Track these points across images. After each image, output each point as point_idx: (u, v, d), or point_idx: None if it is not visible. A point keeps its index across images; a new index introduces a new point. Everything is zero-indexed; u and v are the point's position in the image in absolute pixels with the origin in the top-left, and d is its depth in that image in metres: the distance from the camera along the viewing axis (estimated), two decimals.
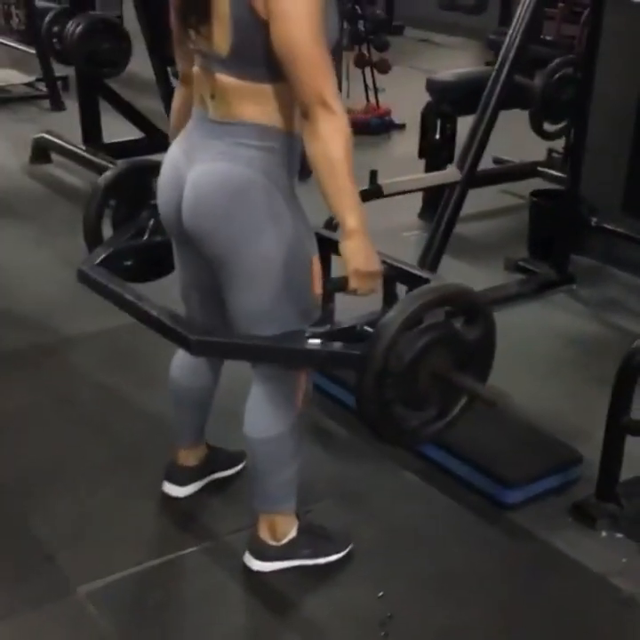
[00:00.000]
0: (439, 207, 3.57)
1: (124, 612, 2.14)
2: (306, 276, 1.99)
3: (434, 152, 4.61)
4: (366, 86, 6.69)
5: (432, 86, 4.66)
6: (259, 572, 2.24)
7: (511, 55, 3.53)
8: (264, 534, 2.24)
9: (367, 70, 6.63)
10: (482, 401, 1.94)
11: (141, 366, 3.14)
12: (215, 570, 2.27)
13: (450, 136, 4.61)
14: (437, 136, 4.61)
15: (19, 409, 2.93)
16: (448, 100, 4.56)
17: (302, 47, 1.79)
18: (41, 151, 5.40)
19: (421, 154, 4.74)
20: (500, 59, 3.61)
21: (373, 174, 3.26)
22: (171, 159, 2.06)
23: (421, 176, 3.42)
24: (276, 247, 1.94)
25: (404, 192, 3.36)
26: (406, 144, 5.44)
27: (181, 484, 2.50)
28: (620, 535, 2.42)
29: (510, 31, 3.54)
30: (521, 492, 2.52)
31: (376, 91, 6.67)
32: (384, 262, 1.97)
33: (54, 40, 5.16)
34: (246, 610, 2.19)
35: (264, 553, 2.25)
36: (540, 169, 4.95)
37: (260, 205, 1.92)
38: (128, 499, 2.50)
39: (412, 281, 2.15)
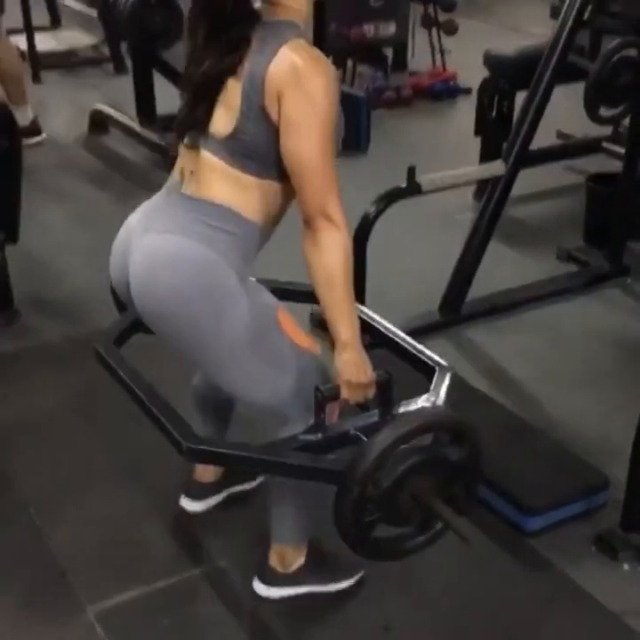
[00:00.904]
0: (483, 198, 3.47)
1: (133, 636, 2.15)
2: (278, 338, 1.96)
3: (490, 130, 4.47)
4: (432, 48, 6.51)
5: (489, 61, 4.49)
6: (267, 598, 2.24)
7: (565, 31, 3.38)
8: (273, 562, 2.24)
9: (434, 31, 6.45)
10: (455, 533, 1.90)
11: (174, 366, 3.13)
12: (224, 593, 2.27)
13: (507, 114, 4.45)
14: (494, 113, 4.47)
15: (42, 409, 2.94)
16: (506, 76, 4.40)
17: (311, 160, 1.80)
18: (98, 123, 5.40)
19: (477, 131, 4.60)
20: (554, 32, 3.46)
21: (411, 171, 3.15)
22: (128, 222, 2.03)
23: (463, 171, 3.30)
24: (238, 326, 1.90)
25: (444, 188, 3.25)
26: (471, 111, 5.29)
27: (198, 498, 2.50)
28: None
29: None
30: (542, 519, 2.45)
31: (442, 53, 6.48)
32: (381, 372, 1.95)
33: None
34: (252, 638, 2.19)
35: (272, 579, 2.24)
36: (604, 145, 4.75)
37: (215, 289, 1.88)
38: (145, 512, 2.52)
39: (422, 368, 2.18)
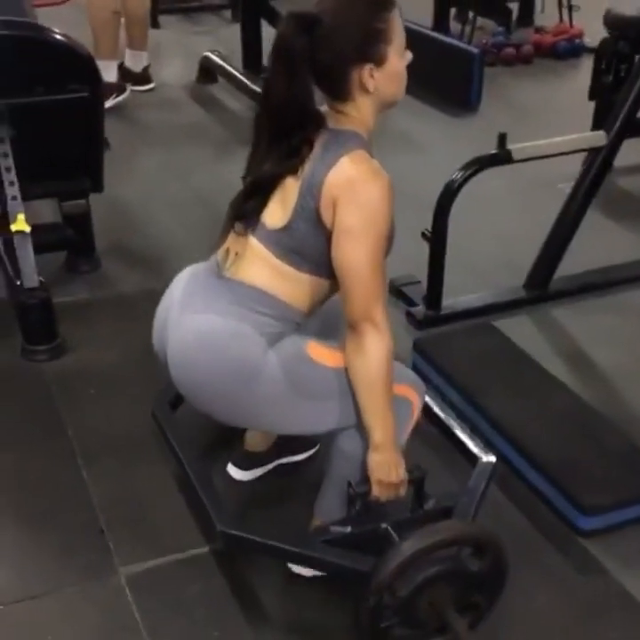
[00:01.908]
0: (581, 171, 3.27)
1: (159, 603, 2.13)
2: (315, 372, 1.95)
3: (605, 95, 4.21)
4: (560, 2, 6.21)
5: (609, 20, 4.22)
6: (299, 576, 2.19)
7: None
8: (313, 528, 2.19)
9: None
10: None
11: None
12: (257, 565, 2.23)
13: (625, 79, 4.18)
14: (611, 77, 4.21)
15: (107, 361, 2.96)
16: (627, 38, 4.13)
17: (360, 269, 1.83)
18: (206, 71, 5.36)
19: (592, 96, 4.36)
20: None
21: (502, 138, 3.00)
22: (169, 293, 2.08)
23: (557, 140, 3.09)
24: (273, 389, 1.93)
25: (536, 158, 3.08)
26: None
27: (245, 468, 2.46)
28: None
29: None
30: (600, 519, 2.31)
31: (570, 9, 6.17)
32: (414, 470, 2.02)
33: None
34: (279, 615, 2.14)
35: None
36: None
37: (244, 360, 1.90)
38: (190, 478, 2.48)
39: (465, 456, 2.28)
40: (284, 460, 2.51)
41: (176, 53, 6.00)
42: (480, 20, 6.18)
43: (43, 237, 3.17)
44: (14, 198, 2.87)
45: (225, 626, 2.08)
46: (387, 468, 1.95)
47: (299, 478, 2.48)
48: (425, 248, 3.16)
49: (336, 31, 1.79)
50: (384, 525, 2.00)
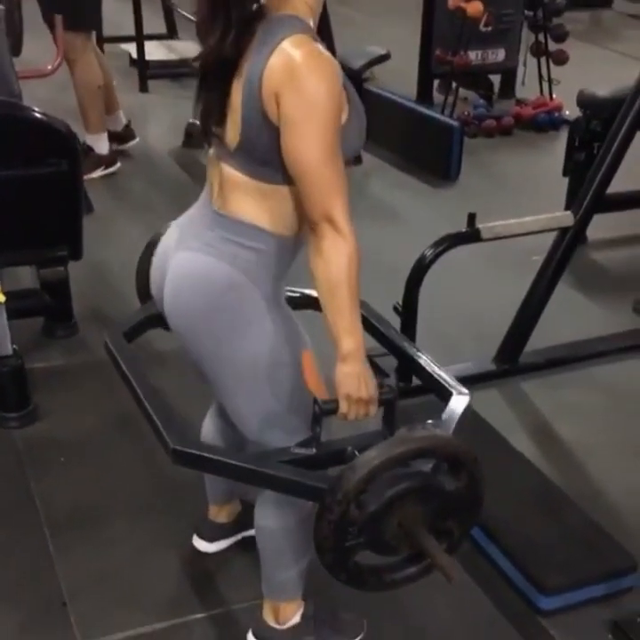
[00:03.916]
0: (549, 249, 3.35)
1: None
2: (296, 378, 1.90)
3: (578, 172, 4.30)
4: (540, 77, 6.35)
5: (583, 100, 4.33)
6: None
7: None
8: (267, 617, 2.19)
9: (543, 60, 6.29)
10: (439, 571, 1.78)
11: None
12: None
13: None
14: (583, 156, 4.31)
15: (81, 428, 2.98)
16: (598, 118, 4.23)
17: (312, 163, 1.70)
18: (192, 136, 5.45)
19: (565, 172, 4.45)
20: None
21: (471, 218, 3.07)
22: (166, 238, 2.02)
23: (526, 220, 3.17)
24: (258, 350, 1.86)
25: (505, 237, 3.15)
26: None
27: (210, 540, 2.48)
28: None
29: None
30: (559, 599, 2.33)
31: (550, 83, 6.32)
32: (381, 386, 1.85)
33: None
34: None
35: (265, 635, 2.19)
36: None
37: (238, 309, 1.85)
38: (157, 547, 2.51)
39: (439, 391, 2.07)
40: (249, 533, 2.52)
41: (163, 118, 6.10)
42: (462, 92, 6.31)
43: (20, 303, 3.23)
44: None
45: None
46: (356, 382, 1.79)
47: None
48: (398, 319, 3.21)
49: None
50: (350, 449, 1.85)
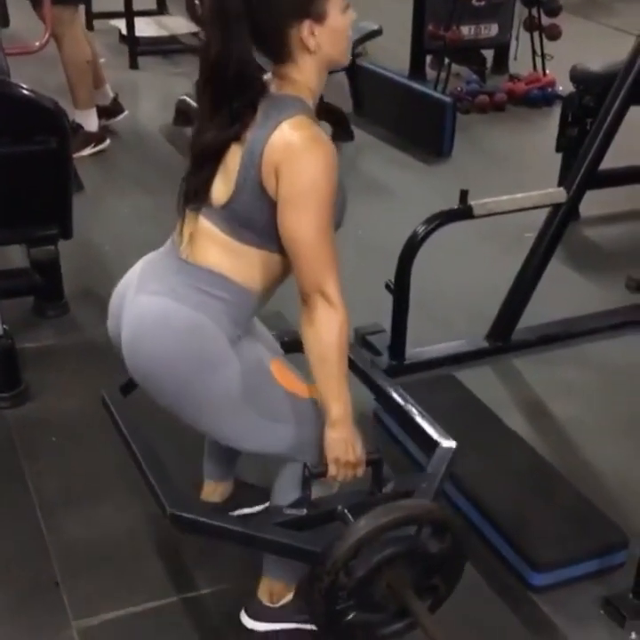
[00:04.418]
0: (542, 225, 3.34)
1: None
2: (273, 391, 1.94)
3: (571, 149, 4.28)
4: (534, 52, 6.31)
5: (576, 75, 4.31)
6: (253, 631, 2.20)
7: None
8: (261, 595, 2.19)
9: (536, 35, 6.25)
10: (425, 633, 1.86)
11: None
12: (211, 621, 2.24)
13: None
14: (576, 131, 4.29)
15: (71, 409, 2.95)
16: (591, 93, 4.20)
17: (306, 241, 1.79)
18: (182, 114, 5.40)
19: (558, 148, 4.43)
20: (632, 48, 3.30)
21: (463, 194, 3.05)
22: (127, 277, 2.03)
23: (518, 196, 3.15)
24: (230, 386, 1.89)
25: (497, 214, 3.13)
26: None
27: None
28: None
29: None
30: (551, 575, 2.33)
31: (543, 58, 6.28)
32: (372, 451, 1.96)
33: None
34: None
35: (259, 613, 2.19)
36: None
37: (202, 351, 1.87)
38: (148, 529, 2.49)
39: (423, 442, 2.20)
40: (242, 512, 2.52)
41: (153, 95, 6.07)
42: (455, 68, 6.28)
43: (10, 283, 3.22)
44: None
45: None
46: (344, 446, 1.88)
47: None
48: (391, 296, 3.20)
49: None
50: (340, 508, 1.94)
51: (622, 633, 2.23)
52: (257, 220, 1.83)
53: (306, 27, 1.79)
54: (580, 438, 2.92)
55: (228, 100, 1.80)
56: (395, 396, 2.31)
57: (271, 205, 1.80)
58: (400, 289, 3.12)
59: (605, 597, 2.30)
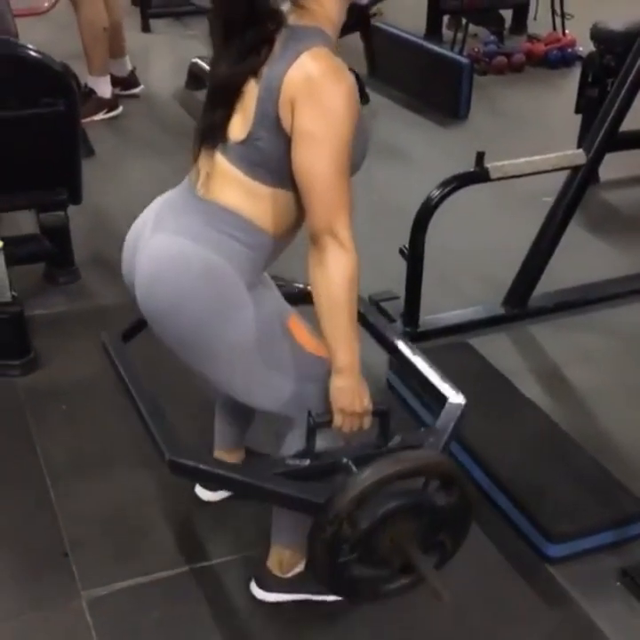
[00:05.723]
0: (560, 189, 3.27)
1: (119, 628, 2.12)
2: (287, 345, 1.89)
3: (590, 111, 4.18)
4: (553, 11, 6.19)
5: (597, 35, 4.20)
6: (262, 602, 2.18)
7: None
8: (271, 564, 2.17)
9: None
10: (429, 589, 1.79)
11: None
12: (220, 591, 2.22)
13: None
14: (597, 92, 4.19)
15: (80, 377, 2.93)
16: (613, 53, 4.10)
17: (321, 176, 1.72)
18: (195, 77, 5.33)
19: (578, 109, 4.34)
20: None
21: (480, 156, 2.98)
22: (141, 217, 1.97)
23: (536, 159, 3.07)
24: (245, 334, 1.84)
25: (514, 176, 3.06)
26: None
27: (213, 489, 2.45)
28: None
29: None
30: (566, 546, 2.30)
31: (563, 18, 6.15)
32: (379, 403, 1.88)
33: None
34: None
35: (269, 583, 2.18)
36: None
37: (219, 294, 1.82)
38: (159, 496, 2.47)
39: (433, 398, 2.11)
40: None
41: (166, 58, 5.98)
42: (473, 28, 6.16)
43: (20, 249, 3.17)
44: None
45: None
46: (350, 396, 1.83)
47: None
48: (405, 262, 3.14)
49: None
50: (345, 460, 1.87)
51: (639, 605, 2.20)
52: (274, 158, 1.76)
53: None
54: (598, 406, 2.87)
55: (239, 33, 1.73)
56: (404, 349, 2.22)
57: (288, 142, 1.72)
58: (414, 255, 3.07)
59: (622, 568, 2.26)
